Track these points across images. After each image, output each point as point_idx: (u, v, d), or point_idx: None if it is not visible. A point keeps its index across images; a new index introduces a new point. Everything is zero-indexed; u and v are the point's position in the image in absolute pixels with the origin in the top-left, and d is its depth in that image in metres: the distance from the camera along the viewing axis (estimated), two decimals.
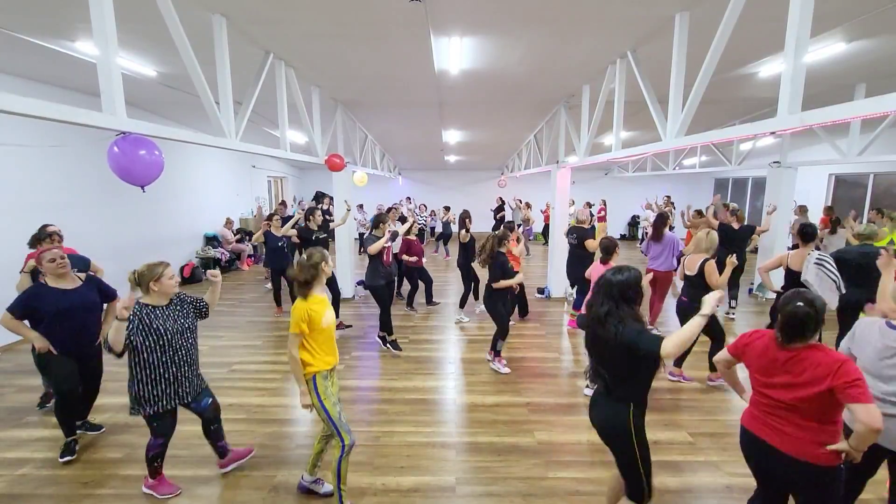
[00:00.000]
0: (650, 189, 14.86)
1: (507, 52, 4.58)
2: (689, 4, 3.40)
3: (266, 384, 4.36)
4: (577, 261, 5.95)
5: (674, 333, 1.90)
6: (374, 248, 4.93)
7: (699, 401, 4.00)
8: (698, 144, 4.21)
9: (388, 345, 5.13)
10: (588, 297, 2.28)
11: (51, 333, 3.04)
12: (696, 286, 3.88)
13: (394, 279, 5.71)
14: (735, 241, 5.96)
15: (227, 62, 3.77)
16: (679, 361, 4.30)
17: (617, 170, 15.70)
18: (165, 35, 3.14)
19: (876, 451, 2.05)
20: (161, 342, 2.55)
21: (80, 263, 3.84)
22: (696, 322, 1.92)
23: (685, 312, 4.02)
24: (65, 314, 3.05)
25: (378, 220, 5.11)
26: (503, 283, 4.37)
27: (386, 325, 5.09)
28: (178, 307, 2.69)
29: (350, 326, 5.91)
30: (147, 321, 2.51)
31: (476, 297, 6.63)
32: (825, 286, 3.72)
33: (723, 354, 2.19)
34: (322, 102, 6.19)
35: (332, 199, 9.15)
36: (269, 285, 7.43)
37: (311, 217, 6.00)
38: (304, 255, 2.57)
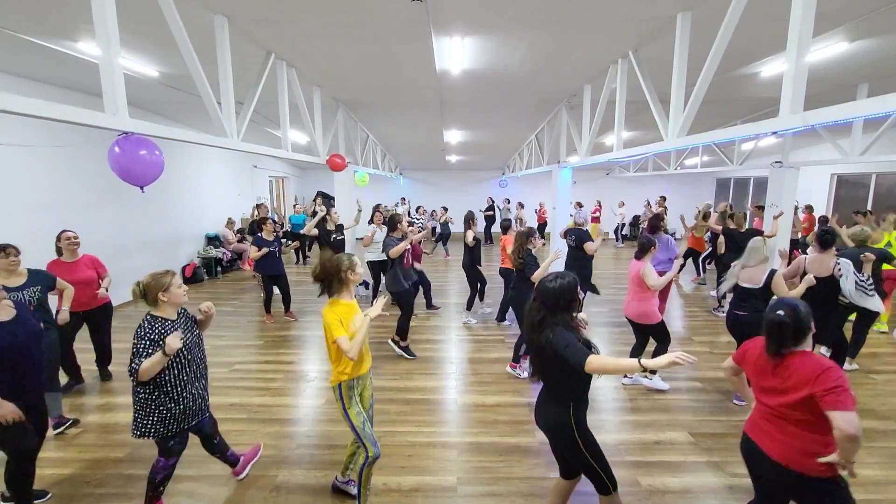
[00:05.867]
0: (651, 189, 14.87)
1: (508, 51, 4.57)
2: (690, 4, 3.39)
3: (267, 384, 4.36)
4: (575, 263, 5.93)
5: (604, 358, 1.90)
6: (396, 251, 4.77)
7: (700, 401, 3.99)
8: (700, 144, 4.19)
9: (401, 350, 5.00)
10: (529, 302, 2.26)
11: None
12: (758, 298, 3.60)
13: (416, 283, 5.42)
14: (741, 245, 5.89)
15: (229, 62, 3.78)
16: None
17: (618, 170, 15.69)
18: (167, 35, 3.15)
19: None
20: (183, 359, 2.39)
21: (44, 280, 3.44)
22: (629, 364, 1.87)
23: (744, 326, 3.67)
24: (9, 355, 2.36)
25: (394, 222, 4.98)
26: (540, 272, 4.14)
27: (402, 330, 4.96)
28: (185, 320, 2.52)
29: None
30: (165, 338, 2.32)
31: (482, 299, 6.56)
32: (864, 297, 3.86)
33: (728, 361, 2.24)
34: (323, 102, 6.19)
35: (332, 199, 9.09)
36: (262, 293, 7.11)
37: (328, 218, 5.90)
38: (333, 260, 2.48)
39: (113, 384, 4.33)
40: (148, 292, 2.36)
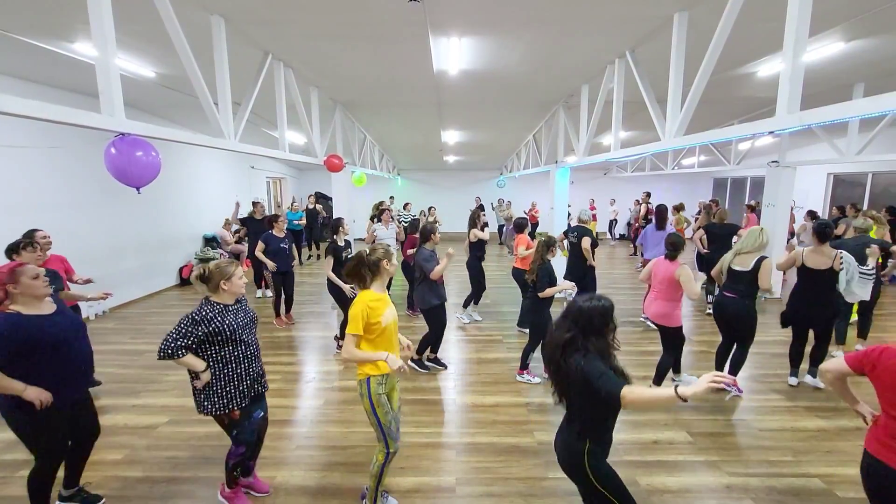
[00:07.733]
0: (649, 189, 14.91)
1: (506, 52, 4.58)
2: (687, 4, 3.40)
3: None
4: (578, 260, 5.90)
5: (641, 389, 1.74)
6: (437, 273, 4.31)
7: (699, 400, 4.00)
8: (697, 144, 4.20)
9: (430, 363, 4.69)
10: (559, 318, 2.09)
11: (36, 383, 2.24)
12: (747, 282, 3.80)
13: (446, 299, 4.78)
14: (720, 239, 6.08)
15: (226, 63, 3.77)
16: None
17: (616, 169, 15.72)
18: (164, 36, 3.14)
19: None
20: (233, 338, 2.49)
21: (57, 280, 3.50)
22: (668, 396, 1.68)
23: (728, 313, 3.91)
24: (57, 349, 2.31)
25: (427, 232, 4.53)
26: (550, 292, 4.11)
27: (426, 343, 4.62)
28: (241, 307, 2.67)
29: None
30: (220, 319, 2.45)
31: (476, 302, 6.39)
32: (866, 283, 3.93)
33: (838, 365, 1.90)
34: (321, 103, 6.19)
35: (329, 199, 9.02)
36: (269, 292, 7.06)
37: (338, 230, 5.25)
38: (367, 249, 2.57)
39: (109, 385, 4.31)
40: (211, 279, 2.50)
